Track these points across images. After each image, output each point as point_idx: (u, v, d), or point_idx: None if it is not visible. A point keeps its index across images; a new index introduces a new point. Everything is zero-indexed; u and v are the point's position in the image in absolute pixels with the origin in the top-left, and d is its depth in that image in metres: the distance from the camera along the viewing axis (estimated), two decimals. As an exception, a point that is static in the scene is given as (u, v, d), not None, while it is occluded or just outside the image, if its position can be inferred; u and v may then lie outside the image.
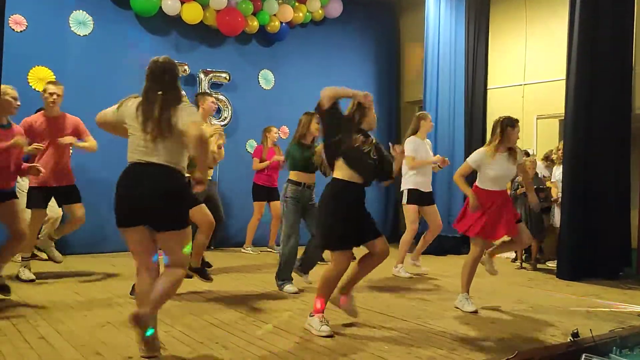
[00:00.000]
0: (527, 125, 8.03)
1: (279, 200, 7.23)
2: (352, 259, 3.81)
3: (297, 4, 8.51)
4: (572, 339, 3.46)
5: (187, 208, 3.26)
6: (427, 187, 6.05)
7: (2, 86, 4.06)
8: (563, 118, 6.53)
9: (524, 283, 5.86)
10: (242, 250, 7.57)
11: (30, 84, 6.56)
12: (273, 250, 7.50)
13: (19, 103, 4.45)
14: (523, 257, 7.03)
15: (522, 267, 6.88)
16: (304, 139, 5.05)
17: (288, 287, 4.95)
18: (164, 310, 4.15)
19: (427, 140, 6.26)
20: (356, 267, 3.91)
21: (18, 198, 4.44)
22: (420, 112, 6.36)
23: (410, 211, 5.99)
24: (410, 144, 5.87)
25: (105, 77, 7.00)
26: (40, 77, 6.60)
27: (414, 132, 6.04)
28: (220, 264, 6.23)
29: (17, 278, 5.01)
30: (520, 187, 6.89)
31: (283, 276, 5.01)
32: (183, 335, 3.52)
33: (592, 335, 3.50)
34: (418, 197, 5.97)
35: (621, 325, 3.99)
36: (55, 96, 5.07)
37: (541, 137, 7.90)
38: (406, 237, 6.02)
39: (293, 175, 4.97)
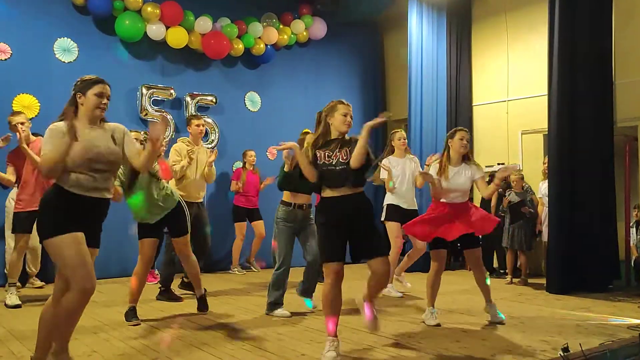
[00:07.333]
0: (513, 141, 8.12)
1: (260, 220, 7.63)
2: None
3: (281, 26, 8.60)
4: (562, 354, 3.46)
5: None
6: (410, 205, 5.97)
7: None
8: (547, 133, 6.59)
9: (514, 298, 5.85)
10: (230, 271, 7.73)
11: (15, 112, 6.55)
12: (252, 267, 7.94)
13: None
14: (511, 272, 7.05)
15: (511, 282, 6.89)
16: None
17: (279, 311, 4.84)
18: (154, 337, 4.09)
19: (412, 156, 6.26)
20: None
21: None
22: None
23: (391, 227, 5.89)
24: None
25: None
26: (24, 104, 6.59)
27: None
28: (210, 287, 6.15)
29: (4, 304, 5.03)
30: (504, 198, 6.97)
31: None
32: (171, 361, 3.48)
33: (582, 349, 3.50)
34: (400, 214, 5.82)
35: (611, 339, 3.98)
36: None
37: (526, 152, 7.97)
38: (391, 256, 5.91)
39: None
